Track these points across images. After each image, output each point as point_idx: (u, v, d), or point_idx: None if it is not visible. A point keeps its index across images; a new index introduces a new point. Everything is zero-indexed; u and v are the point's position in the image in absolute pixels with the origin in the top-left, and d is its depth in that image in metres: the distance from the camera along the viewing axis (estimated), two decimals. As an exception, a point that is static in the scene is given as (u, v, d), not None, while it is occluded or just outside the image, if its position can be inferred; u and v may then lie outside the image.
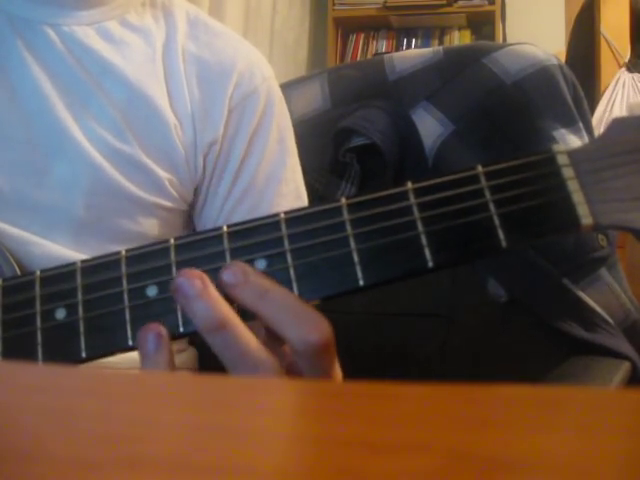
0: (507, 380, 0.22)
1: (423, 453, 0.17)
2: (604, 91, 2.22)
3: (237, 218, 0.64)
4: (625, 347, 0.77)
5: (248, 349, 0.39)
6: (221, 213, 0.65)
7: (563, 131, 0.79)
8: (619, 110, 2.15)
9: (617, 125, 0.40)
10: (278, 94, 0.69)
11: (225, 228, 0.42)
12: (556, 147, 0.40)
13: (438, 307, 0.87)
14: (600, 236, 0.79)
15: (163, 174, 0.61)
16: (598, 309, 0.78)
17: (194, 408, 0.22)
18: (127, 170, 0.59)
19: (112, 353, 0.42)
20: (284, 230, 0.41)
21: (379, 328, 0.89)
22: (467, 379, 0.22)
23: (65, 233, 0.58)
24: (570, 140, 0.79)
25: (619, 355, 0.76)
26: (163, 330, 0.40)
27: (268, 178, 0.66)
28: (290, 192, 0.67)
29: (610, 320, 0.78)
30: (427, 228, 0.39)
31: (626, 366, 0.75)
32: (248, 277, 0.40)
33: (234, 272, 0.40)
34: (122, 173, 0.59)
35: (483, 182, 0.40)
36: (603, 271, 0.80)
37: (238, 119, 0.65)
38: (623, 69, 2.25)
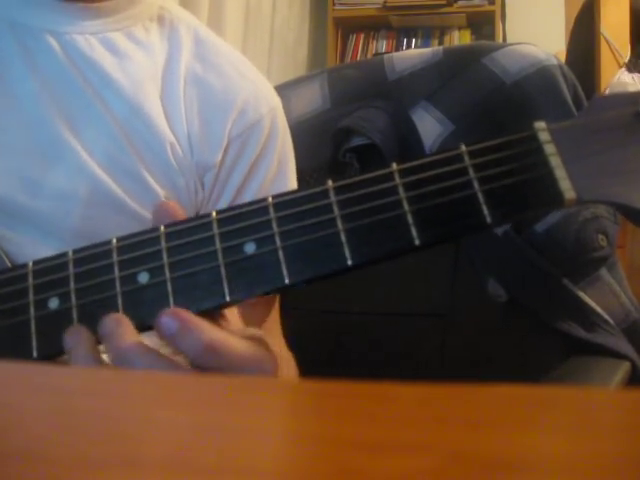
0: (507, 380, 0.22)
1: (423, 453, 0.17)
2: (604, 91, 2.22)
3: None
4: (625, 347, 0.77)
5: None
6: None
7: (563, 131, 0.78)
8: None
9: (598, 102, 0.41)
10: (282, 124, 0.68)
11: (214, 214, 0.42)
12: (538, 124, 0.41)
13: (438, 307, 0.87)
14: (600, 236, 0.79)
15: (161, 191, 0.60)
16: (598, 309, 0.78)
17: (194, 408, 0.22)
18: (125, 183, 0.59)
19: None
20: (272, 214, 0.41)
21: (379, 328, 0.89)
22: (467, 379, 0.22)
23: (60, 241, 0.57)
24: (570, 140, 0.79)
25: (619, 355, 0.76)
26: (83, 330, 0.41)
27: None
28: None
29: (610, 320, 0.78)
30: (413, 207, 0.40)
31: (626, 366, 0.75)
32: (193, 332, 0.40)
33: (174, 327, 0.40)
34: (120, 185, 0.58)
35: (467, 160, 0.40)
36: (603, 271, 0.80)
37: (239, 149, 0.64)
38: (623, 69, 2.25)
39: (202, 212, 0.65)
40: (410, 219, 0.40)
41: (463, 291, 0.85)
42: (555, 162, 0.39)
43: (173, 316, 0.39)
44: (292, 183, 0.69)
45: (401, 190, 0.40)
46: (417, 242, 0.39)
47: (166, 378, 0.32)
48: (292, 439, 0.20)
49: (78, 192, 0.57)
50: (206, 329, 0.40)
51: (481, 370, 0.80)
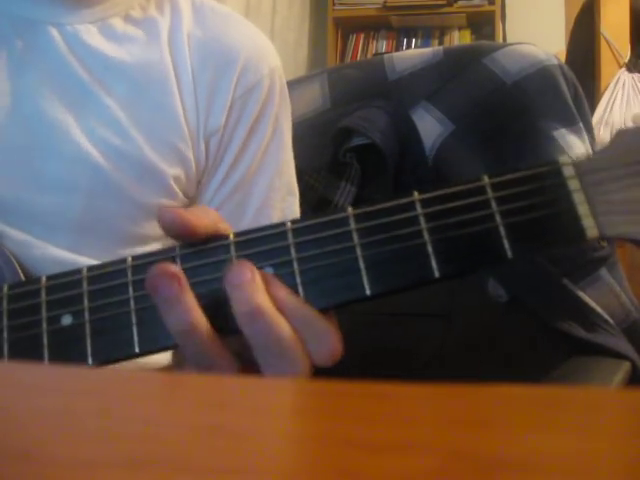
0: (507, 380, 0.22)
1: (423, 453, 0.17)
2: (604, 91, 2.22)
3: (227, 210, 0.64)
4: (625, 347, 0.78)
5: (215, 356, 0.40)
6: (210, 204, 0.64)
7: (563, 131, 0.79)
8: (619, 110, 2.15)
9: (622, 136, 0.40)
10: (281, 84, 0.68)
11: (232, 237, 0.42)
12: (562, 159, 0.40)
13: (438, 307, 0.87)
14: (600, 236, 0.79)
15: (170, 171, 0.60)
16: (598, 309, 0.78)
17: (194, 408, 0.22)
18: (130, 171, 0.58)
19: (119, 360, 0.42)
20: (291, 239, 0.41)
21: (379, 328, 0.89)
22: (467, 379, 0.22)
23: (65, 235, 0.57)
24: (570, 140, 0.79)
25: (619, 355, 0.76)
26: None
27: (261, 171, 0.65)
28: (282, 186, 0.66)
29: (610, 320, 0.78)
30: (433, 238, 0.40)
31: (626, 366, 0.75)
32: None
33: (240, 274, 0.40)
34: (124, 175, 0.58)
35: (489, 193, 0.40)
36: (603, 271, 0.80)
37: (240, 110, 0.64)
38: (623, 69, 2.25)
39: (203, 182, 0.65)
40: (430, 251, 0.39)
41: (463, 291, 0.85)
42: (578, 199, 0.39)
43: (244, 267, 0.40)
44: (288, 143, 0.69)
45: (422, 220, 0.40)
46: (437, 274, 0.39)
47: (166, 378, 0.32)
48: (292, 439, 0.20)
49: (80, 183, 0.57)
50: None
51: (481, 370, 0.80)
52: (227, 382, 0.29)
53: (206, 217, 0.42)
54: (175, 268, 0.40)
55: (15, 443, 0.19)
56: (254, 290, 0.39)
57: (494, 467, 0.17)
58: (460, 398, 0.21)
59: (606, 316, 0.78)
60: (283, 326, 0.40)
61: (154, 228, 0.60)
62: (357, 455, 0.17)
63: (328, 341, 0.40)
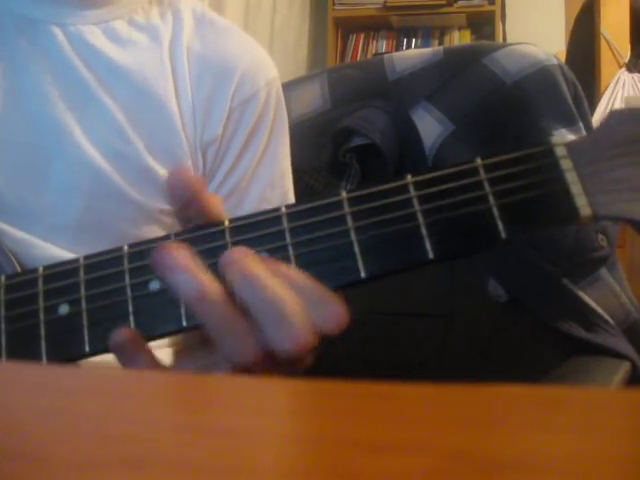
0: (507, 380, 0.22)
1: (423, 453, 0.17)
2: (604, 91, 2.22)
3: None
4: (625, 347, 0.78)
5: (233, 323, 0.40)
6: None
7: (563, 131, 0.79)
8: (619, 110, 2.15)
9: (614, 117, 0.41)
10: (278, 96, 0.69)
11: (227, 223, 0.42)
12: (554, 139, 0.41)
13: (438, 307, 0.87)
14: (600, 236, 0.79)
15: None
16: (598, 309, 0.78)
17: (194, 408, 0.22)
18: (129, 174, 0.59)
19: None
20: (285, 224, 0.41)
21: (380, 328, 0.89)
22: (467, 379, 0.22)
23: (65, 235, 0.57)
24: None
25: (619, 355, 0.76)
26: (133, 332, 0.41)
27: (255, 180, 0.66)
28: (276, 197, 0.67)
29: (610, 320, 0.79)
30: (427, 220, 0.40)
31: (626, 366, 0.75)
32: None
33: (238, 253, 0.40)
34: (124, 177, 0.58)
35: (482, 174, 0.40)
36: (603, 271, 0.80)
37: (237, 121, 0.65)
38: (623, 69, 2.25)
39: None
40: (424, 232, 0.39)
41: (463, 291, 0.85)
42: (571, 178, 0.39)
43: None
44: (284, 155, 0.69)
45: (416, 203, 0.40)
46: (431, 256, 0.39)
47: (166, 378, 0.32)
48: (292, 439, 0.20)
49: (80, 184, 0.57)
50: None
51: (481, 370, 0.80)
52: (227, 382, 0.29)
53: (214, 197, 0.43)
54: (179, 244, 0.41)
55: (15, 443, 0.19)
56: (247, 262, 0.40)
57: (494, 467, 0.17)
58: (460, 398, 0.21)
59: (606, 316, 0.78)
60: (281, 288, 0.39)
61: (154, 231, 0.61)
62: (357, 455, 0.17)
63: (332, 306, 0.40)
